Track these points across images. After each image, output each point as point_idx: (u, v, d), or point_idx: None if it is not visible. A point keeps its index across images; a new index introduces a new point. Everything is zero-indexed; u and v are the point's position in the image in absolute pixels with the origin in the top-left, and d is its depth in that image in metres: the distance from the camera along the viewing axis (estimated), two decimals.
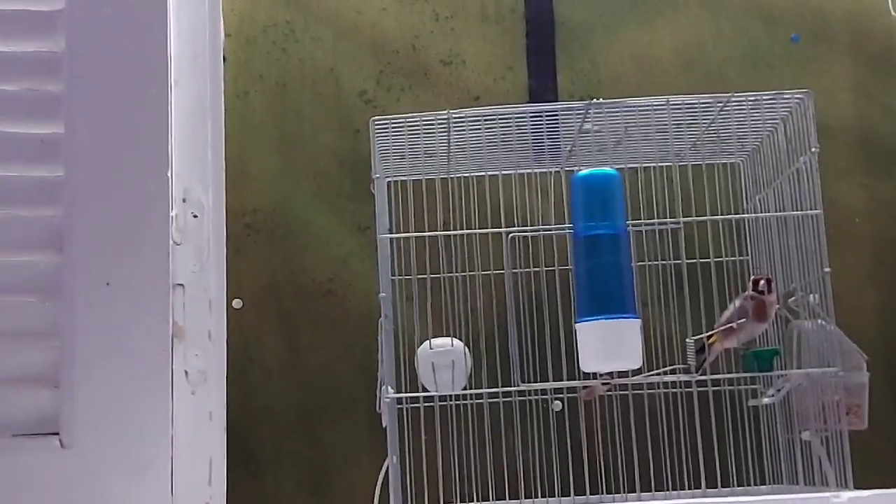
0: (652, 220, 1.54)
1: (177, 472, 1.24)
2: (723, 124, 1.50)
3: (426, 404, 1.52)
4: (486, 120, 1.47)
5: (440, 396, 1.51)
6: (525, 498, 1.52)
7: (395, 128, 1.47)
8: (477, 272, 1.57)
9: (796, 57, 1.74)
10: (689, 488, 1.50)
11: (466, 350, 1.49)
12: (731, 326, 1.45)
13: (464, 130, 1.49)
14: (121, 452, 1.19)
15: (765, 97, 1.45)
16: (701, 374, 1.42)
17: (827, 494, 1.26)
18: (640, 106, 1.45)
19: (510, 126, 1.49)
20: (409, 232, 1.56)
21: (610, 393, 1.53)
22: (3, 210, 1.21)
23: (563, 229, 1.52)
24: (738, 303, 1.47)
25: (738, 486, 1.52)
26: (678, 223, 1.45)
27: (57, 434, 1.18)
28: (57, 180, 1.22)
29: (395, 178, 1.59)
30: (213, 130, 1.42)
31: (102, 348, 1.20)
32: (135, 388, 1.21)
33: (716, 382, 1.49)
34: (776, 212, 1.52)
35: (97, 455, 1.19)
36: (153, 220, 1.25)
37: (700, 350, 1.44)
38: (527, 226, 1.57)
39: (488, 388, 1.47)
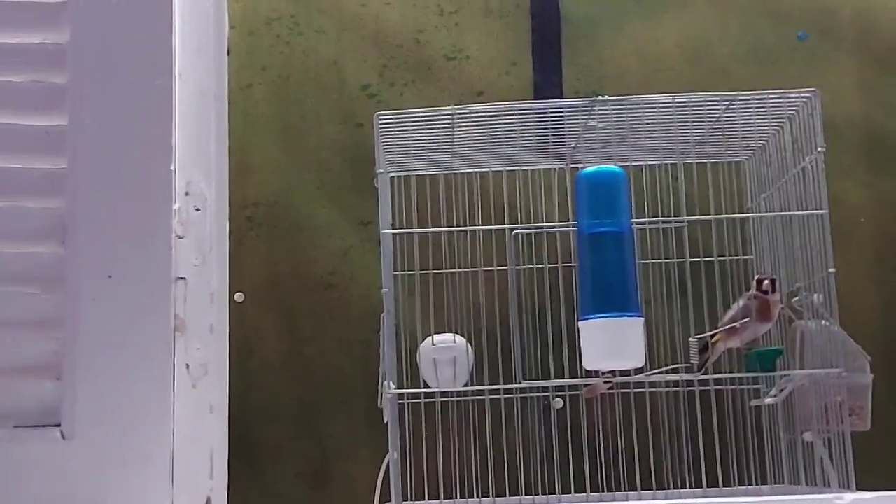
0: (656, 219, 1.53)
1: (177, 464, 1.25)
2: (728, 122, 1.50)
3: (427, 400, 1.52)
4: (490, 116, 1.47)
5: (441, 392, 1.50)
6: (525, 495, 1.52)
7: (399, 122, 1.46)
8: (480, 268, 1.57)
9: (802, 54, 1.73)
10: (691, 487, 1.49)
11: (468, 346, 1.49)
12: (734, 326, 1.44)
13: (468, 126, 1.48)
14: (122, 444, 1.19)
15: (771, 96, 1.44)
16: (703, 374, 1.42)
17: (830, 496, 1.25)
18: (645, 103, 1.44)
19: (514, 122, 1.48)
20: (412, 227, 1.55)
21: (612, 391, 1.53)
22: (6, 201, 1.21)
23: (566, 227, 1.51)
24: (741, 302, 1.47)
25: (740, 485, 1.51)
26: (682, 222, 1.44)
27: (58, 425, 1.18)
28: (61, 172, 1.22)
29: (398, 173, 1.59)
30: (217, 123, 1.42)
31: (104, 340, 1.20)
32: (136, 381, 1.21)
33: (718, 382, 1.48)
34: (781, 211, 1.51)
35: (98, 447, 1.19)
36: (156, 213, 1.25)
37: (703, 349, 1.43)
38: (530, 222, 1.56)
39: (490, 384, 1.46)
